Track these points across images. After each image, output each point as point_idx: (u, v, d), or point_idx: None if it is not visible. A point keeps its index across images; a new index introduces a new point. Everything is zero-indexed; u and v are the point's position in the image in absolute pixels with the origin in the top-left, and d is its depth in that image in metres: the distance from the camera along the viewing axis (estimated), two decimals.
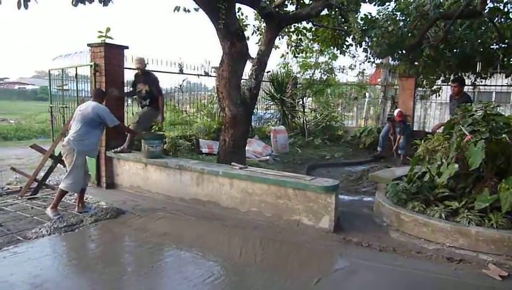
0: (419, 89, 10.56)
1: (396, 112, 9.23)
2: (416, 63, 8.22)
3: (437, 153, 4.70)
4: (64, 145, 5.02)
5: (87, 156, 5.15)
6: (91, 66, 6.18)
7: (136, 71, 6.40)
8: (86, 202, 5.44)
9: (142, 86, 6.30)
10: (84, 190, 5.30)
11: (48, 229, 4.40)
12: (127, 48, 6.38)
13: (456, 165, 4.36)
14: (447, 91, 8.60)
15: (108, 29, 6.08)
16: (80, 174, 5.02)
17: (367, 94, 14.98)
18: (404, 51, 7.80)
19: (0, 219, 4.77)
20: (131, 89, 6.67)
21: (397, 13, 7.43)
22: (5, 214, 5.04)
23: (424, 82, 9.83)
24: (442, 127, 5.58)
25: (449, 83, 7.51)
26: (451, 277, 3.43)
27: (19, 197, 5.78)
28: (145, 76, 6.31)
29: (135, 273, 3.60)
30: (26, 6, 4.00)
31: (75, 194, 5.26)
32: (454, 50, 7.72)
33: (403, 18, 7.38)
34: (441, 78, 9.12)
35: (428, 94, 10.50)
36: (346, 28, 7.57)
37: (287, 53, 9.68)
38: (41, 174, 6.06)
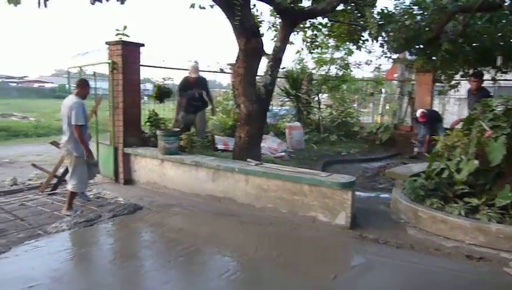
0: (437, 84, 10.37)
1: (418, 113, 8.94)
2: (434, 58, 8.08)
3: (456, 149, 4.62)
4: (62, 147, 5.20)
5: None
6: (109, 63, 6.26)
7: (186, 75, 7.19)
8: (94, 198, 5.55)
9: (196, 91, 7.15)
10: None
11: (67, 224, 4.50)
12: (143, 45, 6.44)
13: (476, 162, 4.28)
14: (465, 86, 8.42)
15: (125, 27, 6.14)
16: (83, 172, 5.11)
17: (383, 90, 14.77)
18: (421, 46, 7.67)
19: (22, 214, 4.90)
20: (180, 91, 7.27)
21: (414, 7, 7.30)
22: (26, 209, 5.17)
23: (442, 77, 9.64)
24: (461, 122, 5.48)
25: (468, 78, 7.34)
26: (470, 274, 3.37)
27: (40, 193, 5.92)
28: (200, 81, 7.16)
29: (152, 267, 3.64)
30: (45, 5, 4.07)
31: (93, 187, 5.36)
32: (474, 44, 7.56)
33: (420, 12, 7.26)
34: (460, 73, 8.94)
35: (446, 89, 10.30)
36: (362, 22, 7.48)
37: (302, 49, 9.63)
38: (61, 170, 6.18)
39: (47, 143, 6.97)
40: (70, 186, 5.06)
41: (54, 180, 6.14)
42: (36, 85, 45.25)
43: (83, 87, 5.20)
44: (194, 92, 7.13)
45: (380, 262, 3.62)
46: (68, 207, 4.98)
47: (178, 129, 6.37)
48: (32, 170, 6.82)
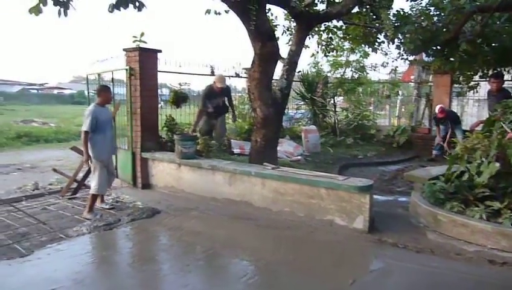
0: (456, 85, 10.21)
1: (437, 108, 8.80)
2: (451, 59, 7.96)
3: (476, 152, 4.53)
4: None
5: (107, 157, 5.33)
6: (126, 70, 6.36)
7: (211, 83, 7.25)
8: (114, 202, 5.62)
9: (220, 99, 7.26)
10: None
11: (88, 227, 4.58)
12: (160, 51, 6.51)
13: (497, 164, 4.19)
14: (485, 87, 8.26)
15: (142, 34, 6.23)
16: (102, 176, 5.20)
17: (400, 92, 14.61)
18: (438, 47, 7.57)
19: (44, 218, 5.00)
20: (204, 100, 7.33)
21: (431, 8, 7.23)
22: (48, 213, 5.28)
23: (461, 78, 9.49)
24: (482, 124, 5.39)
25: (488, 79, 7.20)
26: (493, 279, 3.31)
27: (60, 197, 6.04)
28: (225, 90, 7.24)
29: (171, 271, 3.68)
30: (66, 14, 4.17)
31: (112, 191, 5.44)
32: (493, 44, 7.42)
33: (437, 13, 7.18)
34: (479, 74, 8.79)
35: (465, 91, 10.13)
36: (377, 25, 7.44)
37: (317, 52, 9.60)
38: (81, 175, 6.29)
39: (67, 148, 7.10)
40: (91, 189, 5.18)
41: (74, 185, 6.26)
42: (56, 91, 46.27)
43: (100, 94, 5.26)
44: (218, 100, 7.23)
45: (400, 267, 3.58)
46: (89, 210, 5.07)
47: (195, 134, 6.42)
48: (53, 175, 6.96)
